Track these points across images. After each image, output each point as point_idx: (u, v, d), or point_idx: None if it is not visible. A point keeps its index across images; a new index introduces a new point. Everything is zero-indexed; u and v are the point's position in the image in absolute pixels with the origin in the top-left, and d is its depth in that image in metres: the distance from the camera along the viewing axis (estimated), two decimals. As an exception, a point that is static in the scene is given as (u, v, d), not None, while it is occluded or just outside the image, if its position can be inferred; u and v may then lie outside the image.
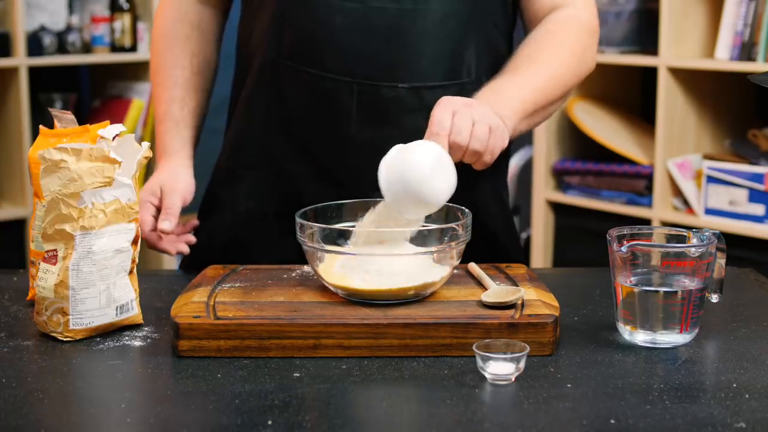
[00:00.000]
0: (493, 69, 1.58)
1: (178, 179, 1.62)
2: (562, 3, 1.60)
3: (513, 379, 1.15)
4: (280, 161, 1.58)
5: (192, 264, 1.61)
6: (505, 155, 1.66)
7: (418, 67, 1.52)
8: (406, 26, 1.51)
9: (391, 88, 1.52)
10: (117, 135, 1.30)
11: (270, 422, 1.05)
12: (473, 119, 1.38)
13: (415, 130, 1.42)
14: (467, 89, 1.54)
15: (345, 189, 1.46)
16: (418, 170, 1.31)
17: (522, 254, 1.68)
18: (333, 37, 1.51)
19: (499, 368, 1.14)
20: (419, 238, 1.33)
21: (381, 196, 1.35)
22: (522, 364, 1.15)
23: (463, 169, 1.41)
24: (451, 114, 1.38)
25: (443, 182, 1.33)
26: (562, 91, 1.56)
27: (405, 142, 1.35)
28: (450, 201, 1.38)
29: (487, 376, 1.15)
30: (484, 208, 1.60)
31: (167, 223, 1.55)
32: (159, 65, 1.70)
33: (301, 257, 1.37)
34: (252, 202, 1.60)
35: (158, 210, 1.59)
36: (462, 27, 1.54)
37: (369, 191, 1.39)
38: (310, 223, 1.34)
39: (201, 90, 1.70)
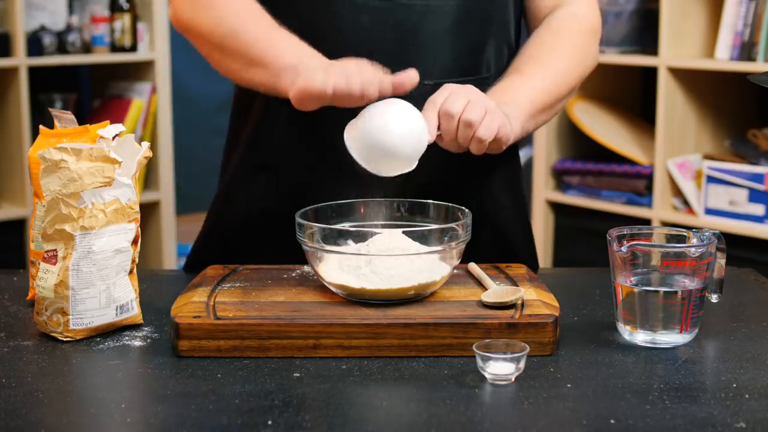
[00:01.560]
0: (509, 64, 1.58)
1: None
2: (564, 1, 1.61)
3: (513, 379, 1.15)
4: (302, 160, 1.56)
5: (201, 263, 1.58)
6: (514, 150, 1.65)
7: (443, 62, 1.52)
8: (431, 22, 1.51)
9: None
10: (117, 135, 1.30)
11: (270, 422, 1.05)
12: (469, 98, 1.40)
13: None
14: (486, 84, 1.54)
15: (369, 187, 1.45)
16: (375, 117, 1.35)
17: (533, 250, 1.67)
18: (359, 36, 1.50)
19: (499, 368, 1.14)
20: (419, 238, 1.33)
21: (400, 195, 1.37)
22: (522, 364, 1.15)
23: (477, 160, 1.41)
24: (448, 93, 1.40)
25: (403, 127, 1.35)
26: (567, 89, 1.57)
27: None
28: (465, 190, 1.37)
29: (487, 376, 1.15)
30: (499, 201, 1.60)
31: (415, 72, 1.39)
32: (248, 14, 1.50)
33: None
34: (268, 203, 1.58)
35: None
36: (482, 21, 1.54)
37: (393, 189, 1.41)
38: (310, 223, 1.33)
39: None
